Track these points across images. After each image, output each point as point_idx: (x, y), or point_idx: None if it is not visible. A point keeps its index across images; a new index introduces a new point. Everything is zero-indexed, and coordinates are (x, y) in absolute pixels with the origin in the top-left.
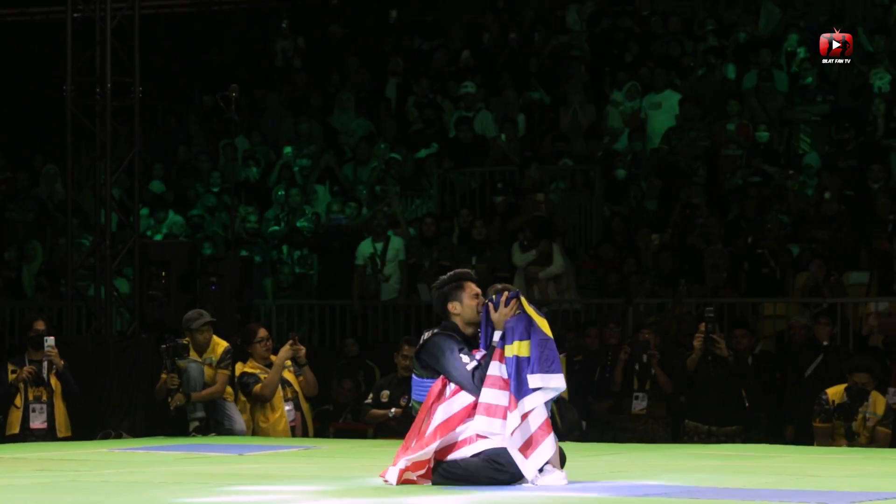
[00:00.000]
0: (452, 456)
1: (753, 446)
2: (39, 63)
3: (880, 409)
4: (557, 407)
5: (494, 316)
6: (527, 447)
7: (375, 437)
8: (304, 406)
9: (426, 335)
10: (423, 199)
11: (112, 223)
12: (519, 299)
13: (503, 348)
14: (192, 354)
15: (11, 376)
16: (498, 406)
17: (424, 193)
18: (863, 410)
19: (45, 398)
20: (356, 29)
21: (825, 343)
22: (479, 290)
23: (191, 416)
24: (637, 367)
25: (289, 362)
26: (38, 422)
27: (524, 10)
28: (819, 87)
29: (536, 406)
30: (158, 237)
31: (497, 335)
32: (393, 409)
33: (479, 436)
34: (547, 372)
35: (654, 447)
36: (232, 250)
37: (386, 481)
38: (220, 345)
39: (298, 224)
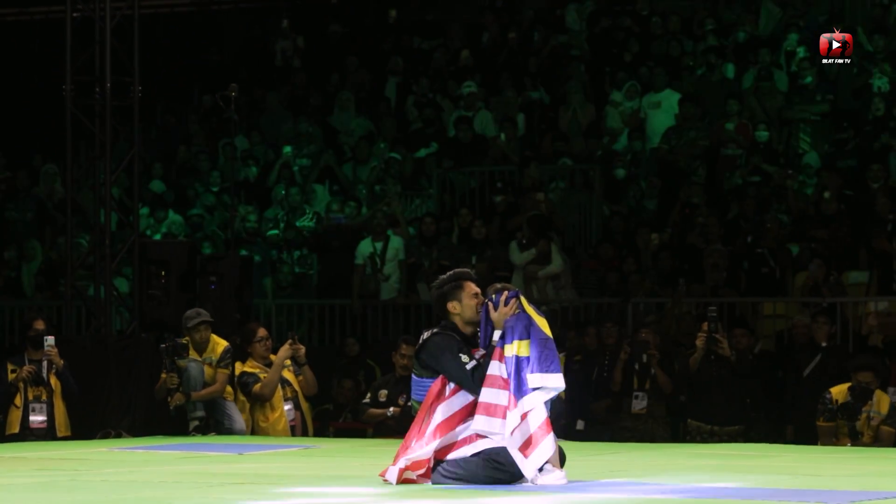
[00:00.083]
0: (452, 455)
1: (753, 446)
2: (39, 62)
3: (884, 409)
4: None
5: (494, 315)
6: (526, 446)
7: (374, 436)
8: (304, 405)
9: (426, 335)
10: (423, 198)
11: (112, 223)
12: (519, 299)
13: (503, 348)
14: (192, 354)
15: (11, 376)
16: (498, 405)
17: (424, 193)
18: (867, 410)
19: (44, 397)
20: (356, 28)
21: (823, 344)
22: (478, 290)
23: (191, 416)
24: (637, 366)
25: (288, 362)
26: (37, 421)
27: (524, 10)
28: (818, 86)
29: (536, 405)
30: (157, 237)
31: (497, 334)
32: (391, 409)
33: (478, 435)
34: (546, 371)
35: (653, 447)
36: (231, 250)
37: (386, 480)
38: (220, 344)
39: (298, 224)
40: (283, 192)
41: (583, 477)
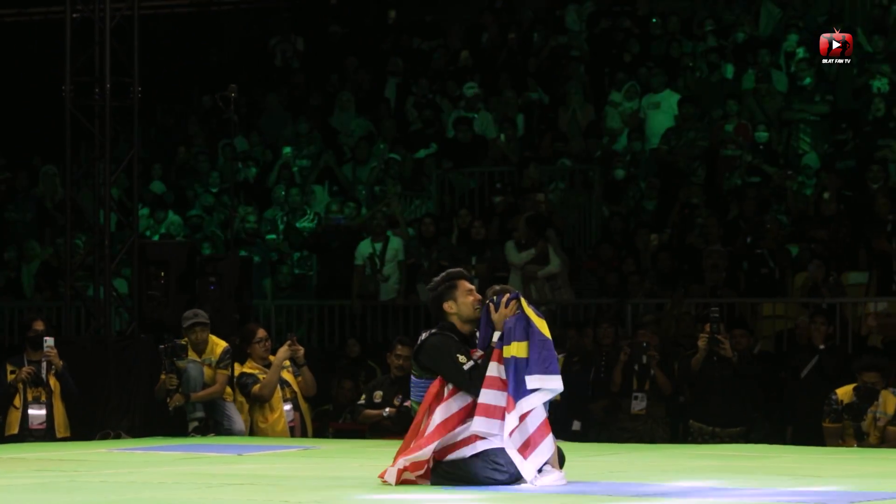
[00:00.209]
0: (451, 456)
1: (753, 446)
2: (39, 63)
3: (891, 409)
4: None
5: (495, 316)
6: (525, 447)
7: (369, 437)
8: (303, 406)
9: (423, 336)
10: (423, 199)
11: (111, 223)
12: (519, 300)
13: (501, 349)
14: (191, 354)
15: (10, 376)
16: (496, 407)
17: (423, 193)
18: (873, 410)
19: (44, 398)
20: (355, 29)
21: (821, 346)
22: (472, 286)
23: (190, 417)
24: (636, 367)
25: (287, 362)
26: (37, 422)
27: (523, 11)
28: (818, 87)
29: (535, 407)
30: (157, 237)
31: (496, 336)
32: (387, 409)
33: (477, 436)
34: (545, 373)
35: (653, 447)
36: (231, 250)
37: (385, 482)
38: (219, 345)
39: (298, 225)
40: (283, 192)
41: (582, 478)
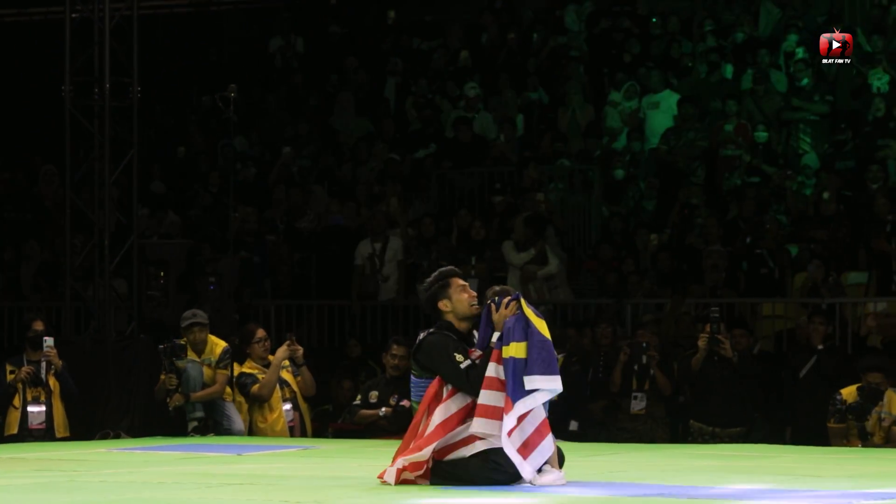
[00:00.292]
0: (451, 456)
1: (753, 446)
2: (38, 63)
3: (895, 409)
4: None
5: (495, 317)
6: (525, 447)
7: (365, 436)
8: (303, 406)
9: (421, 335)
10: (422, 199)
11: (111, 223)
12: (519, 301)
13: (501, 349)
14: (191, 354)
15: (10, 377)
16: (495, 408)
17: (423, 194)
18: (877, 410)
19: (43, 398)
20: (355, 29)
21: (820, 347)
22: (465, 283)
23: (190, 417)
24: (636, 367)
25: (287, 362)
26: (36, 422)
27: (523, 11)
28: (818, 87)
29: (534, 407)
30: (156, 238)
31: (495, 336)
32: (383, 409)
33: (477, 437)
34: (544, 373)
35: (652, 447)
36: (230, 251)
37: (384, 482)
38: (219, 345)
39: (297, 225)
40: (283, 192)
41: (582, 477)
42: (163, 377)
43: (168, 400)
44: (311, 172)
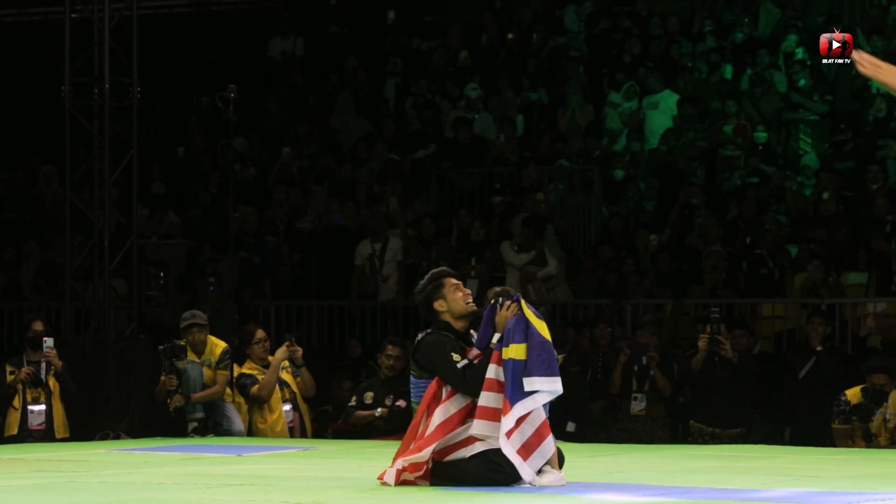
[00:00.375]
0: (451, 457)
1: (753, 447)
2: (38, 63)
3: None
4: None
5: (497, 318)
6: (525, 448)
7: (360, 437)
8: (303, 407)
9: (420, 336)
10: (422, 199)
11: (110, 224)
12: (520, 302)
13: (500, 351)
14: (191, 355)
15: (10, 377)
16: (495, 409)
17: (423, 194)
18: (882, 412)
19: (43, 399)
20: (355, 29)
21: (818, 348)
22: (459, 282)
23: (190, 417)
24: (636, 368)
25: (286, 363)
26: (36, 423)
27: (522, 11)
28: (817, 87)
29: (534, 408)
30: (156, 238)
31: (496, 337)
32: (379, 409)
33: (476, 437)
34: (545, 375)
35: (652, 448)
36: (230, 251)
37: (384, 482)
38: (219, 346)
39: (297, 225)
40: (283, 193)
41: (582, 478)
42: (163, 378)
43: (169, 401)
44: (311, 173)
